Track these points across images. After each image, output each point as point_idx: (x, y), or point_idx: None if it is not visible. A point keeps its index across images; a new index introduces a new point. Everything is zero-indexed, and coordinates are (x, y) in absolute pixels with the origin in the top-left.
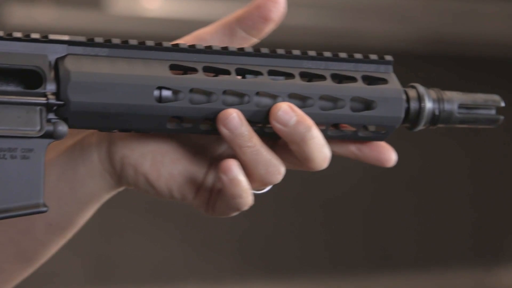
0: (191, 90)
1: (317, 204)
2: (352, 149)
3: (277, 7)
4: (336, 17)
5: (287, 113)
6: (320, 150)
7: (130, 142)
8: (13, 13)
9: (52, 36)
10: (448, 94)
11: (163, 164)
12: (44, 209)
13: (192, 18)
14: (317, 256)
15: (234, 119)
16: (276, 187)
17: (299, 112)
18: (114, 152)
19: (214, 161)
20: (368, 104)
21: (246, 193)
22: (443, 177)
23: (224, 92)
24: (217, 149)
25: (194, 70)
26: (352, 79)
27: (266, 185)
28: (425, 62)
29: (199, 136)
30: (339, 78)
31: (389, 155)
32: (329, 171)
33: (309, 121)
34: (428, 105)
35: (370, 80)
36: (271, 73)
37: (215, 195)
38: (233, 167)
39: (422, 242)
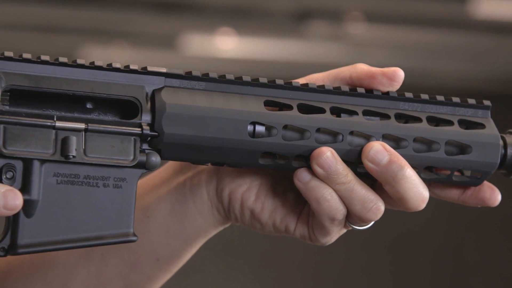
0: (285, 127)
1: (386, 242)
2: (455, 193)
3: (397, 80)
4: (410, 57)
5: (380, 152)
6: (415, 190)
7: (237, 178)
8: (89, 54)
9: (150, 68)
10: None
11: (266, 197)
12: (134, 238)
13: (265, 58)
14: None
15: (328, 158)
16: None
17: (392, 151)
18: (222, 189)
19: None
20: (463, 149)
21: (334, 210)
22: (504, 217)
23: (318, 130)
24: None
25: (289, 107)
26: (449, 123)
27: (365, 221)
28: (496, 102)
29: None
30: (435, 121)
31: (495, 195)
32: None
33: (402, 161)
34: None
35: (467, 124)
36: (366, 113)
37: (312, 218)
38: (304, 174)
39: (488, 281)
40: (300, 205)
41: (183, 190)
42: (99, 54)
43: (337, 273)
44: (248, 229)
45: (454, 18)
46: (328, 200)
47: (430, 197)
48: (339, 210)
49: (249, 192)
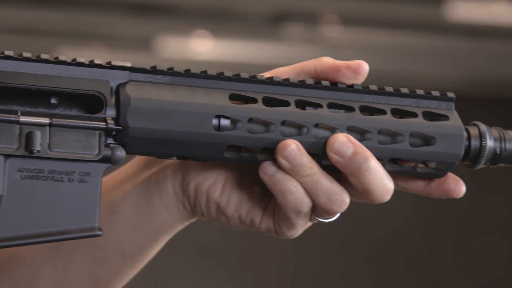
0: (250, 120)
1: (364, 244)
2: (420, 184)
3: (362, 73)
4: (387, 60)
5: (345, 144)
6: (380, 182)
7: (203, 172)
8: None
9: (114, 62)
10: (511, 133)
11: (232, 191)
12: (99, 233)
13: (241, 61)
14: None
15: (293, 151)
16: (323, 227)
17: (357, 143)
18: (188, 183)
19: None
20: (427, 140)
21: (299, 202)
22: (486, 219)
23: (283, 123)
24: None
25: (254, 101)
26: (413, 115)
27: (330, 213)
28: (473, 105)
29: None
30: (399, 113)
31: (459, 186)
32: (377, 211)
33: (366, 152)
34: (490, 143)
35: (431, 116)
36: (331, 105)
37: (277, 211)
38: (269, 167)
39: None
40: (266, 198)
41: (149, 185)
42: (76, 56)
43: (314, 276)
44: (225, 231)
45: (430, 21)
46: (293, 192)
47: (407, 200)
48: (305, 203)
49: (215, 186)
